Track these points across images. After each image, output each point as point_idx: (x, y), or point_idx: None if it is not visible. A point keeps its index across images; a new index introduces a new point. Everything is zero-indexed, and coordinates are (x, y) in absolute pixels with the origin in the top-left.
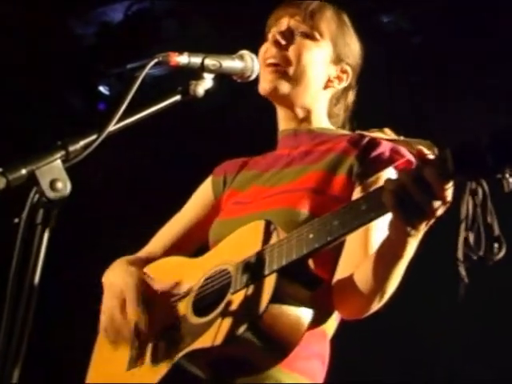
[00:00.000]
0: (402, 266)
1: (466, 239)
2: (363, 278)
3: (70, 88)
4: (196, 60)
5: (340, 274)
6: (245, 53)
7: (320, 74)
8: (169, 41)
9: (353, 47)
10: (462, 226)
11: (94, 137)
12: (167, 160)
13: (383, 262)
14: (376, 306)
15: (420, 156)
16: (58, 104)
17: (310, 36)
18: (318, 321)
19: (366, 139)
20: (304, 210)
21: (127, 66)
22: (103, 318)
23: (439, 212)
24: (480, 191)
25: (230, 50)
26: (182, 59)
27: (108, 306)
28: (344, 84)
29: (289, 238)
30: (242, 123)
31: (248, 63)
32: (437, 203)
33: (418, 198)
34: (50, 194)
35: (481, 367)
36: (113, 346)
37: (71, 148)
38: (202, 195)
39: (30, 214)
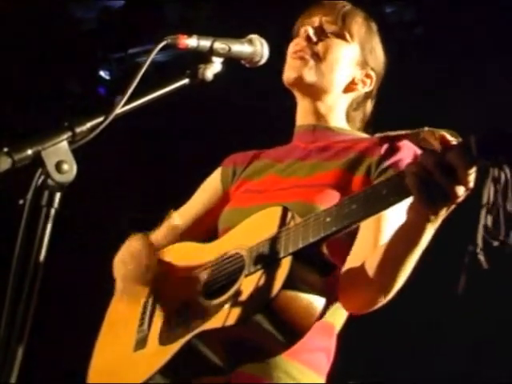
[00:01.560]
0: (415, 255)
1: (486, 225)
2: (374, 265)
3: (70, 72)
4: (205, 43)
5: (349, 264)
6: (254, 37)
7: (346, 72)
8: (170, 26)
9: (379, 55)
10: (483, 212)
11: (100, 119)
12: (174, 151)
13: (397, 249)
14: (383, 299)
15: (443, 142)
16: (57, 88)
17: (340, 36)
18: (329, 310)
19: (388, 143)
20: (321, 205)
21: (128, 50)
22: (120, 284)
23: (461, 197)
24: (502, 178)
25: (233, 36)
26: (191, 42)
27: (125, 267)
28: (367, 88)
29: (305, 222)
30: (251, 117)
31: (257, 48)
32: (459, 187)
33: (441, 181)
34: (56, 176)
35: (484, 368)
36: (118, 328)
37: (78, 129)
38: (210, 186)
39: (34, 196)
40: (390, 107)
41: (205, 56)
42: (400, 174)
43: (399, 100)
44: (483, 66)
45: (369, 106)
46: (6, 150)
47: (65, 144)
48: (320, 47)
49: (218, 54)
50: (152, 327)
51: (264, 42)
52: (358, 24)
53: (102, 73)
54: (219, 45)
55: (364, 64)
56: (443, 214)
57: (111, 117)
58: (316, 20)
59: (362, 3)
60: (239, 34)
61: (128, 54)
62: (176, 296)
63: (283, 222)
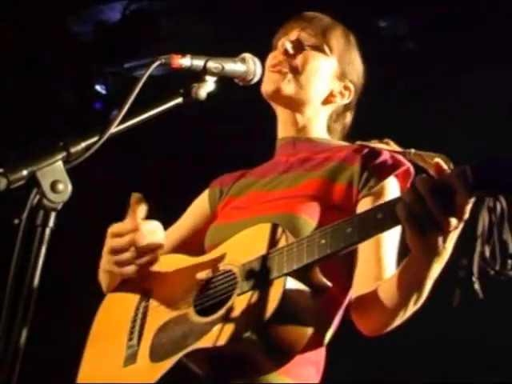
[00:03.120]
0: (427, 286)
1: (482, 254)
2: (386, 294)
3: (66, 86)
4: (198, 63)
5: (357, 290)
6: (247, 56)
7: (324, 85)
8: (166, 40)
9: (357, 67)
10: (479, 241)
11: (95, 138)
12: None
13: (406, 281)
14: (399, 321)
15: (438, 170)
16: (53, 103)
17: (319, 49)
18: (319, 330)
19: (367, 149)
20: (304, 216)
21: (124, 65)
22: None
23: (453, 227)
24: (498, 208)
25: (228, 50)
26: (185, 61)
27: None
28: (346, 101)
29: (299, 243)
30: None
31: (250, 66)
32: (452, 215)
33: (432, 208)
34: (51, 196)
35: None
36: (107, 340)
37: (73, 149)
38: (198, 207)
39: (30, 216)
40: (380, 120)
41: (198, 75)
42: (396, 199)
43: (390, 114)
44: (475, 80)
45: (348, 117)
46: (1, 170)
47: (60, 164)
48: (298, 60)
49: (212, 73)
50: (142, 342)
51: (257, 60)
52: (337, 37)
53: (97, 87)
54: (212, 64)
55: (342, 77)
56: (441, 245)
57: (106, 136)
58: (294, 33)
59: (356, 17)
60: (234, 49)
61: (124, 68)
62: (167, 310)
63: (276, 240)
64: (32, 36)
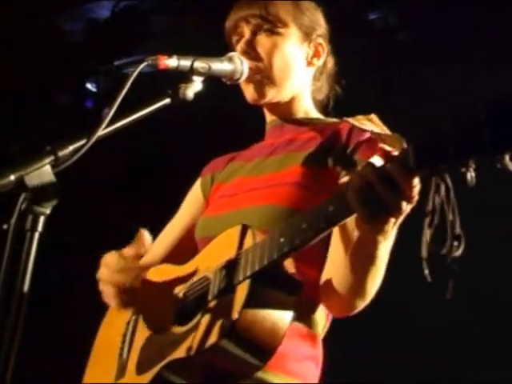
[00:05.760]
0: (380, 265)
1: (430, 237)
2: (341, 278)
3: (57, 85)
4: (185, 63)
5: (326, 274)
6: (234, 55)
7: (298, 63)
8: (157, 37)
9: (316, 18)
10: (426, 223)
11: (83, 141)
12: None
13: (358, 263)
14: (360, 304)
15: (383, 153)
16: (44, 101)
17: (273, 32)
18: (302, 318)
19: (349, 128)
20: (289, 206)
21: (115, 63)
22: (108, 289)
23: (405, 210)
24: (443, 188)
25: (219, 46)
26: (171, 62)
27: (107, 274)
28: (323, 58)
29: (263, 242)
30: (232, 118)
31: (237, 65)
32: (402, 200)
33: (382, 194)
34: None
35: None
36: (104, 355)
37: (60, 153)
38: (193, 198)
39: (18, 220)
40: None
41: (185, 75)
42: (344, 187)
43: (382, 105)
44: (467, 71)
45: (329, 63)
46: None
47: (48, 168)
48: (264, 59)
49: (199, 73)
50: (130, 355)
51: (244, 59)
52: (282, 5)
53: (88, 85)
54: (199, 64)
55: (308, 37)
56: (391, 226)
57: (93, 139)
58: (243, 29)
59: (345, 10)
60: (226, 45)
61: (114, 66)
62: (153, 322)
63: (244, 241)
64: (21, 35)
